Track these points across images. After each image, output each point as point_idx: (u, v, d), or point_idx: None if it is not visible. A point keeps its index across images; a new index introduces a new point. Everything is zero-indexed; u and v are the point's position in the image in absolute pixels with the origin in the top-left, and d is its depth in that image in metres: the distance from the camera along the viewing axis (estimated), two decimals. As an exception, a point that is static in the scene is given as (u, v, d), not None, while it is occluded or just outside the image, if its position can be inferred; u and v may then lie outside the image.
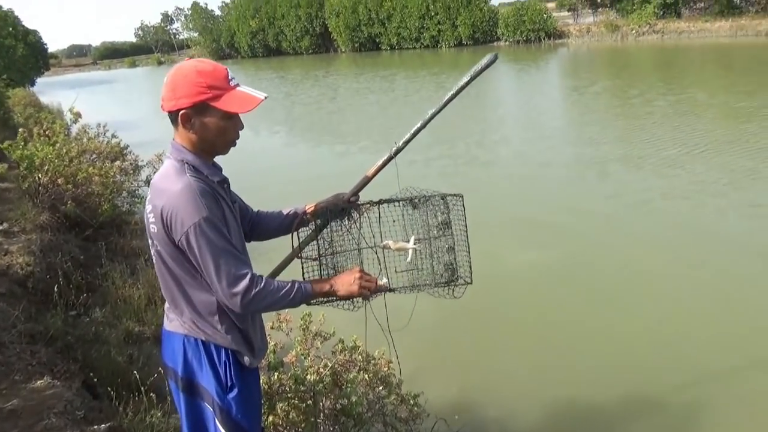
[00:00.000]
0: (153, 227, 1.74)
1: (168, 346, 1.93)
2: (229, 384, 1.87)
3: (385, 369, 3.09)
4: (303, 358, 3.07)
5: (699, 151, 9.54)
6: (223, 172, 1.89)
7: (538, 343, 4.70)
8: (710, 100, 14.31)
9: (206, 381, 1.86)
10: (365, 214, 2.18)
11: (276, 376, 2.80)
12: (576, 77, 22.19)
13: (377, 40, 54.19)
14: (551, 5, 46.61)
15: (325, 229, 2.19)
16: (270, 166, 11.97)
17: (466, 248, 2.19)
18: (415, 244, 2.14)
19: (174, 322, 1.89)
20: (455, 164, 10.28)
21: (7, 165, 5.63)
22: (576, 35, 41.79)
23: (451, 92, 2.09)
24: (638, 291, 5.31)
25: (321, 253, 2.17)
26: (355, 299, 2.07)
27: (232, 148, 1.85)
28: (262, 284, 1.72)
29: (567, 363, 4.39)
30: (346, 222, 2.19)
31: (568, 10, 47.25)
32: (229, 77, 1.74)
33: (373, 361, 3.06)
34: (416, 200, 2.19)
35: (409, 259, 2.15)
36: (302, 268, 2.18)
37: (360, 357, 3.07)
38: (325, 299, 2.05)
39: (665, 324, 4.73)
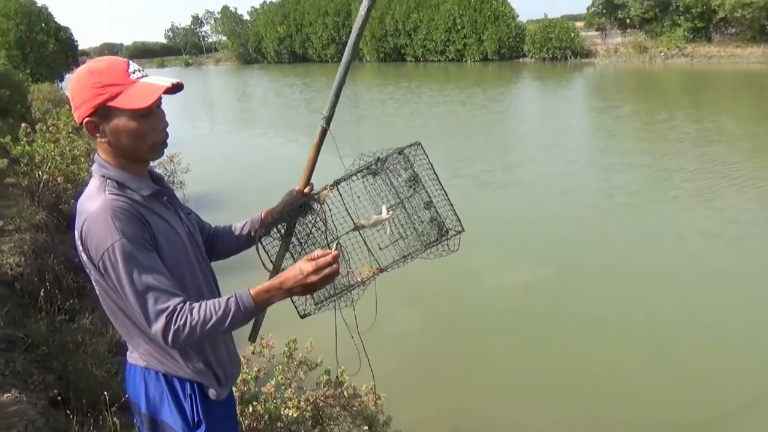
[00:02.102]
0: (82, 255, 1.51)
1: (130, 379, 1.71)
2: (195, 420, 1.65)
3: (372, 406, 2.83)
4: (284, 388, 2.82)
5: (732, 184, 9.11)
6: (163, 182, 1.68)
7: (537, 374, 4.48)
8: (743, 129, 13.83)
9: (171, 418, 1.64)
10: (326, 201, 1.93)
11: (250, 409, 2.55)
12: (602, 98, 21.77)
13: (402, 51, 54.21)
14: (579, 24, 46.20)
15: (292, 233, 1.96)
16: (282, 175, 11.82)
17: (444, 196, 1.96)
18: (388, 212, 1.90)
19: (133, 354, 1.68)
20: (470, 185, 9.99)
21: (8, 160, 5.50)
22: (603, 55, 41.33)
23: (356, 30, 1.82)
24: (652, 335, 4.98)
25: (296, 259, 1.94)
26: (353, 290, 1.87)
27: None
28: (183, 318, 1.43)
29: (567, 396, 4.15)
30: (310, 217, 1.95)
31: (597, 30, 46.76)
32: (130, 70, 1.50)
33: (359, 398, 2.80)
34: (373, 166, 1.96)
35: (388, 231, 1.91)
36: None
37: (346, 393, 2.81)
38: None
39: (678, 373, 4.42)
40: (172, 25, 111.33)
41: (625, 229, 7.54)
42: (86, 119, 1.46)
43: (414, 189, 1.94)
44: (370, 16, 1.78)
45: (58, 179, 5.69)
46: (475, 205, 8.69)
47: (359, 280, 1.86)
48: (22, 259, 4.77)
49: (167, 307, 1.43)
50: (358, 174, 1.95)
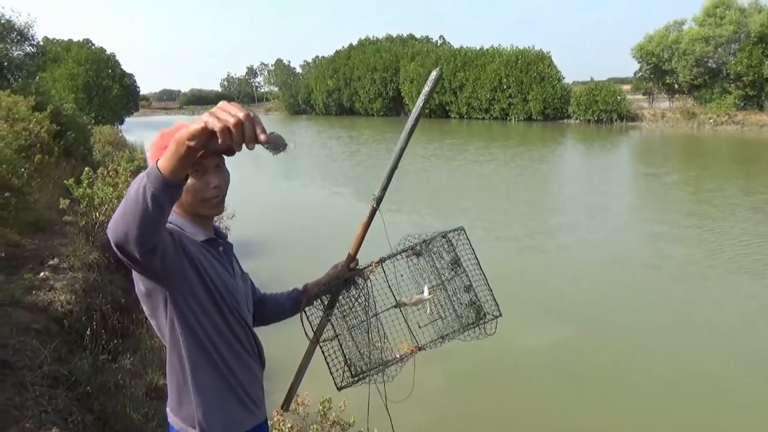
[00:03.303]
0: (140, 283, 1.61)
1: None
2: None
3: (405, 474, 2.77)
4: (316, 448, 2.81)
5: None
6: (223, 237, 1.80)
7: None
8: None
9: None
10: (370, 277, 2.00)
11: (282, 469, 2.54)
12: (649, 163, 21.48)
13: (447, 108, 55.18)
14: (626, 87, 46.23)
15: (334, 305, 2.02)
16: (324, 225, 12.03)
17: (483, 281, 2.01)
18: (429, 293, 1.97)
19: (170, 407, 1.74)
20: (510, 247, 9.90)
21: (69, 201, 5.80)
22: (650, 119, 41.04)
23: (411, 122, 1.87)
24: (678, 404, 4.83)
25: (337, 332, 2.01)
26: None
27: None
28: None
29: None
30: (354, 291, 2.01)
31: (643, 94, 46.68)
32: None
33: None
34: (418, 247, 2.03)
35: (428, 310, 1.98)
36: (323, 353, 2.01)
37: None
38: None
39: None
40: (228, 75, 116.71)
41: (669, 299, 7.29)
42: None
43: (455, 272, 2.01)
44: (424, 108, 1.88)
45: (113, 221, 5.95)
46: (512, 267, 8.61)
47: (398, 356, 1.90)
48: (73, 297, 4.95)
49: None
50: (403, 253, 2.02)
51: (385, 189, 1.96)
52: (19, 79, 13.10)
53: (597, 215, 12.27)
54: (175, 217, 1.67)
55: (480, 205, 13.61)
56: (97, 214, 5.96)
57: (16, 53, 13.91)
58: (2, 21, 13.03)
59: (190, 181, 1.62)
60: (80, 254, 5.63)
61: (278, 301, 2.05)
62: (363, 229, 1.96)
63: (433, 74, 1.82)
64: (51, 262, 5.40)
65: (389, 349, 1.92)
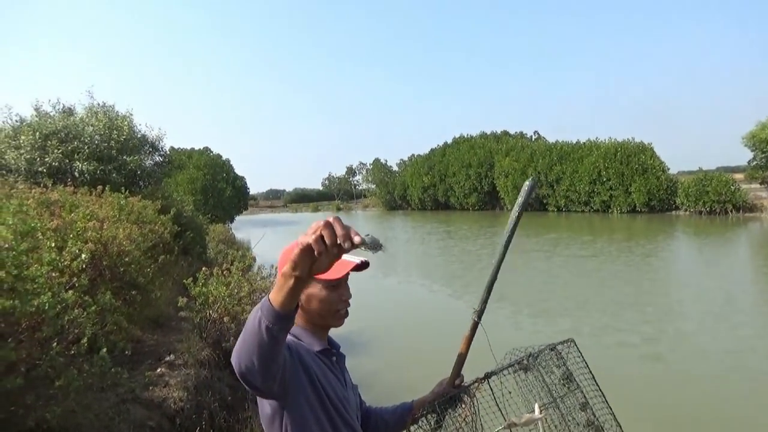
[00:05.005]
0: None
1: None
2: None
3: None
4: None
5: None
6: (337, 348, 1.86)
7: None
8: None
9: None
10: (476, 395, 1.87)
11: None
12: (775, 258, 19.54)
13: (544, 201, 54.33)
14: (738, 176, 43.35)
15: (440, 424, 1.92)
16: (420, 322, 11.84)
17: (601, 398, 1.82)
18: (541, 412, 1.80)
19: None
20: (623, 356, 9.16)
21: (186, 299, 6.14)
22: (771, 209, 37.88)
23: (508, 233, 1.81)
24: None
25: None
26: None
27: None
28: None
29: None
30: (460, 410, 1.89)
31: (760, 183, 43.46)
32: None
33: None
34: (525, 361, 1.90)
35: (541, 431, 1.80)
36: None
37: None
38: None
39: None
40: (329, 174, 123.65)
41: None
42: None
43: (568, 388, 1.86)
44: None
45: (225, 318, 6.20)
46: (628, 378, 7.89)
47: None
48: (185, 394, 5.10)
49: None
50: (510, 368, 1.92)
51: (485, 302, 1.93)
52: (149, 186, 14.52)
53: (726, 319, 11.07)
54: (294, 327, 1.72)
55: (587, 305, 12.86)
56: (211, 312, 6.25)
57: (147, 163, 15.48)
58: (138, 136, 14.71)
59: (323, 292, 1.70)
60: (194, 351, 5.86)
61: (383, 417, 2.00)
62: (466, 343, 1.91)
63: (527, 184, 1.81)
64: (168, 359, 5.65)
65: None
